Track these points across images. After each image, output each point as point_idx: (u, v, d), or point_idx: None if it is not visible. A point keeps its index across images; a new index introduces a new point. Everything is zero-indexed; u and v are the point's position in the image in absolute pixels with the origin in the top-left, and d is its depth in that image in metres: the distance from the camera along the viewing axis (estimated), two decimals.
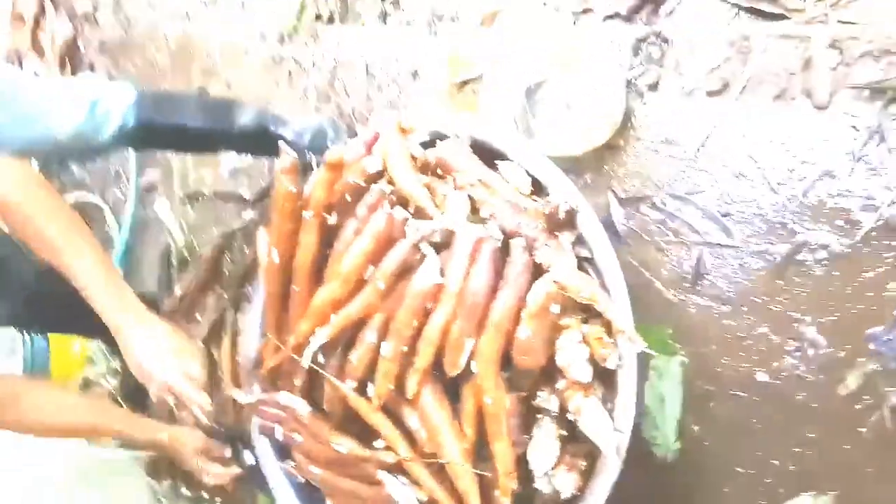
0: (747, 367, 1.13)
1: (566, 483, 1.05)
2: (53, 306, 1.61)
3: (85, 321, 1.45)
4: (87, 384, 2.21)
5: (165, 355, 1.18)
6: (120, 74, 2.57)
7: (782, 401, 1.10)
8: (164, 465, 1.78)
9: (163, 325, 1.23)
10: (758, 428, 1.11)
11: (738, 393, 1.14)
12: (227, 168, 2.19)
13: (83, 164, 2.63)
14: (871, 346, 1.01)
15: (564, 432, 1.09)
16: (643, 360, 1.07)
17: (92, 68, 2.68)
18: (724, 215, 1.18)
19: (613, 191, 1.30)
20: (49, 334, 2.06)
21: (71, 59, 2.72)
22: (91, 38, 2.68)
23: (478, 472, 1.05)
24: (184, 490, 1.73)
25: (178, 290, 2.03)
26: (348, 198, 1.19)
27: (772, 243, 1.13)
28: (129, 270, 2.38)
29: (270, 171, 2.07)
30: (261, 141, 1.68)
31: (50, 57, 2.76)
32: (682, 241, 1.22)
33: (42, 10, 2.77)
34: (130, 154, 2.43)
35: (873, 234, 1.07)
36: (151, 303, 2.14)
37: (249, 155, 2.03)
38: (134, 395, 1.91)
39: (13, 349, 1.92)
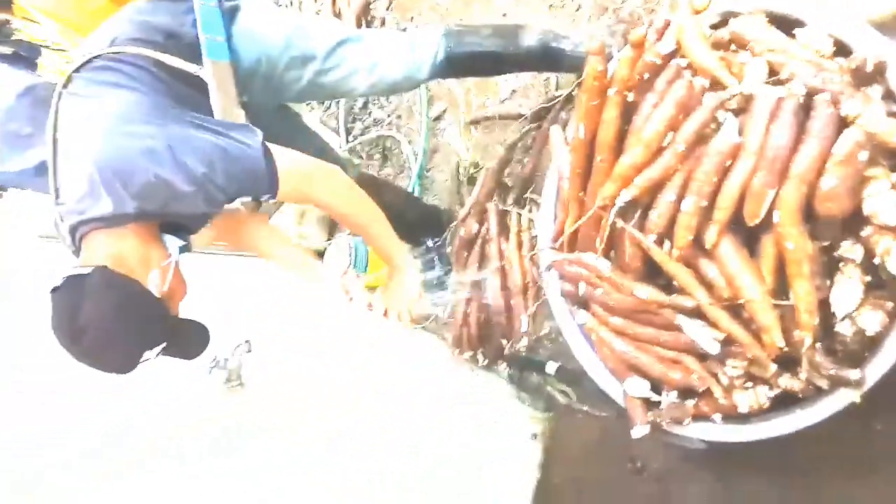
0: None
1: (872, 321, 1.09)
2: None
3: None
4: None
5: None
6: (407, 25, 2.95)
7: None
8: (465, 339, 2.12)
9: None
10: None
11: None
12: (506, 91, 2.44)
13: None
14: None
15: (869, 278, 1.13)
16: None
17: (383, 23, 3.10)
18: None
19: None
20: None
21: (365, 18, 3.17)
22: None
23: (779, 302, 1.13)
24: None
25: (468, 201, 2.34)
26: (647, 76, 1.32)
27: None
28: (425, 190, 2.77)
29: (546, 88, 2.27)
30: (544, 57, 1.87)
31: (347, 18, 3.24)
32: None
33: None
34: (421, 91, 2.79)
35: None
36: (445, 214, 2.52)
37: (535, 72, 2.24)
38: None
39: (346, 252, 2.45)
